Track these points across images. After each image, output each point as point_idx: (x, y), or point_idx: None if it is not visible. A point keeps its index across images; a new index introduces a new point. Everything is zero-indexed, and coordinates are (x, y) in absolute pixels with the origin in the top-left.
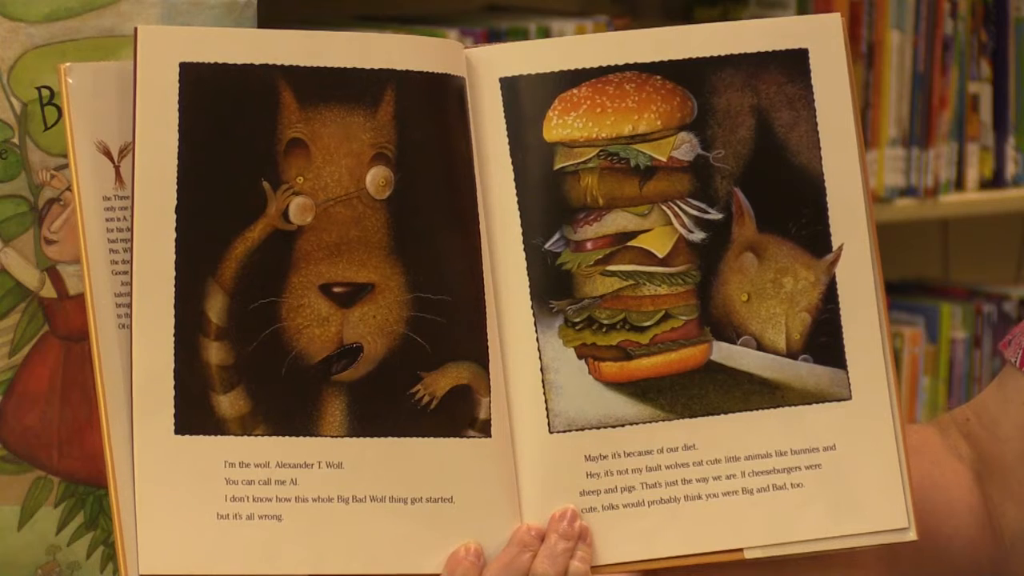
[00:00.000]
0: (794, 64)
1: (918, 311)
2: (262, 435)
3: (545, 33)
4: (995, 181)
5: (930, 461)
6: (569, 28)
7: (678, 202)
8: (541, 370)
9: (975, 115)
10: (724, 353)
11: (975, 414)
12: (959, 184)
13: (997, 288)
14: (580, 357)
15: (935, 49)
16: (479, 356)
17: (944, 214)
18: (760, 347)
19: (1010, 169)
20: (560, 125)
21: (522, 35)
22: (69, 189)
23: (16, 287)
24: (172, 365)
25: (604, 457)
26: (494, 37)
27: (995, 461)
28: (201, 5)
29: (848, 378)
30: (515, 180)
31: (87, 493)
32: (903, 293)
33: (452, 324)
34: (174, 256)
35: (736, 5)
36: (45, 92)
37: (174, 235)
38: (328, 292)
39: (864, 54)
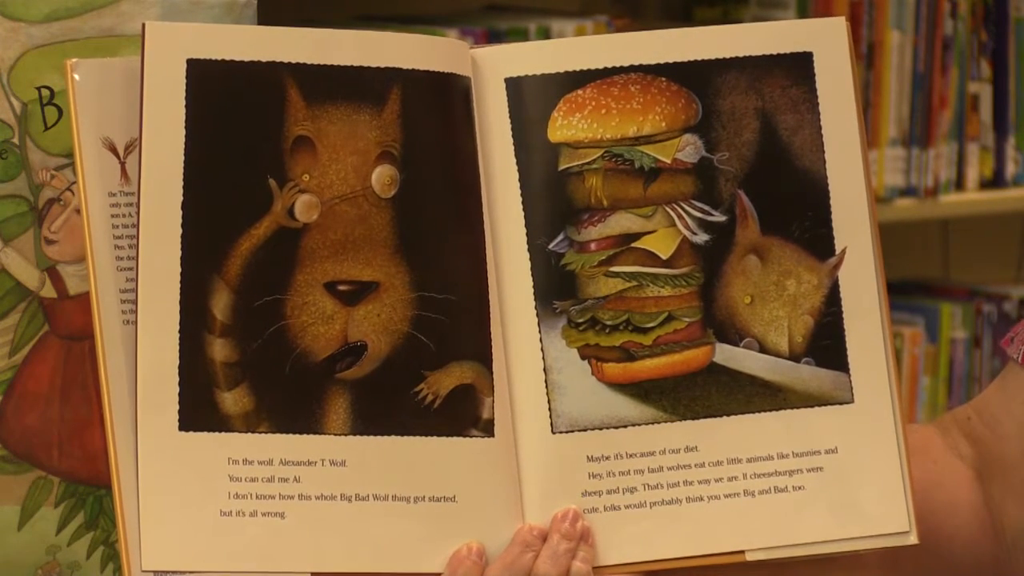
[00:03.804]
0: (798, 67)
1: (918, 311)
2: (266, 432)
3: (545, 33)
4: (995, 181)
5: (931, 460)
6: (569, 28)
7: (682, 204)
8: (544, 370)
9: (975, 115)
10: (727, 355)
11: (977, 413)
12: (959, 184)
13: (997, 288)
14: (583, 358)
15: (935, 49)
16: (483, 356)
17: (944, 214)
18: (763, 349)
19: (1010, 169)
20: (565, 126)
21: (522, 35)
22: (69, 189)
23: (16, 287)
24: (176, 362)
25: (606, 458)
26: (494, 37)
27: (997, 460)
28: (200, 5)
29: (850, 381)
30: (519, 180)
31: (87, 493)
32: (903, 293)
33: (456, 323)
34: (179, 252)
35: (736, 5)
36: (45, 92)
37: (180, 231)
38: (333, 290)
39: (864, 54)
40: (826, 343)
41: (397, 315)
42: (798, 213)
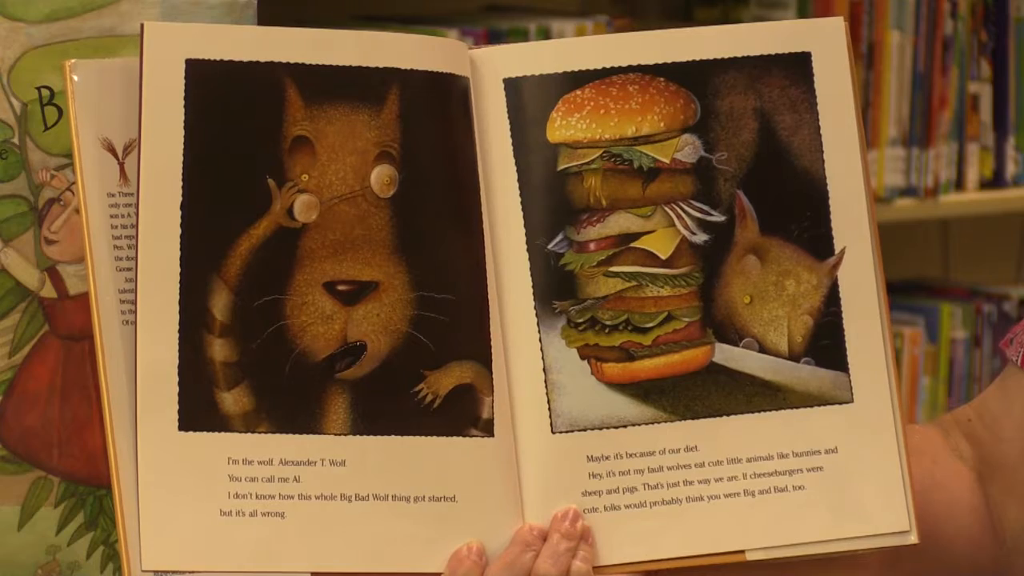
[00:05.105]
0: (797, 67)
1: (918, 311)
2: (265, 432)
3: (545, 33)
4: (995, 181)
5: (931, 461)
6: (569, 28)
7: (681, 204)
8: (544, 370)
9: (975, 115)
10: (726, 355)
11: (977, 414)
12: (959, 184)
13: (997, 288)
14: (583, 358)
15: (935, 49)
16: (482, 355)
17: (944, 214)
18: (762, 349)
19: (1010, 169)
20: (564, 126)
21: (522, 35)
22: (69, 189)
23: (16, 287)
24: (176, 362)
25: (606, 458)
26: (494, 37)
27: (997, 461)
28: (201, 5)
29: (850, 381)
30: (518, 181)
31: (87, 493)
32: (903, 293)
33: (455, 323)
34: (179, 252)
35: (736, 5)
36: (45, 92)
37: (179, 231)
38: (332, 290)
39: (864, 54)
40: (826, 343)
41: (396, 315)
42: (797, 213)
